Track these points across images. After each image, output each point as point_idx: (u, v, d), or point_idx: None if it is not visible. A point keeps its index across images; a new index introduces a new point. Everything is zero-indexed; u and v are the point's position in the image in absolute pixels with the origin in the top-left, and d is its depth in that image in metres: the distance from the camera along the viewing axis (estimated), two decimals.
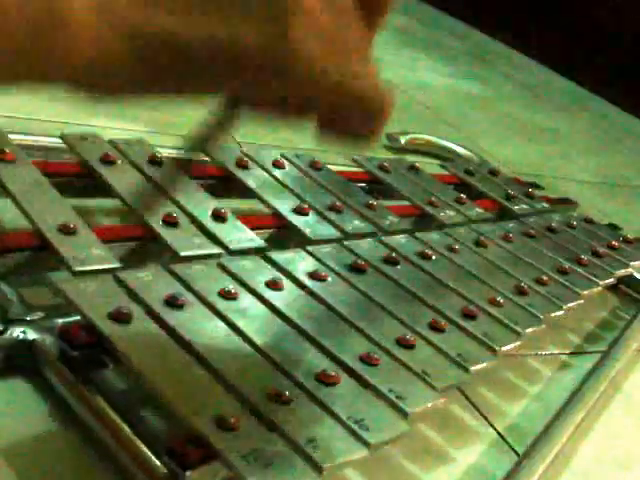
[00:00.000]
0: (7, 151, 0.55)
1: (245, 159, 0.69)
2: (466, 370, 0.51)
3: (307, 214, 0.64)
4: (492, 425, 0.56)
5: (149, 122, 0.83)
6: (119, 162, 0.61)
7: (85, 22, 0.28)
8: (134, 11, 0.30)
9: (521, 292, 0.64)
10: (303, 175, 0.72)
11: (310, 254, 0.58)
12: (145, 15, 0.30)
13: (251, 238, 0.57)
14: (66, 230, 0.49)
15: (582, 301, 0.68)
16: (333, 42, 0.34)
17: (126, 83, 0.31)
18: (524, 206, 0.86)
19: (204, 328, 0.45)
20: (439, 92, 1.50)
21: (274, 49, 0.32)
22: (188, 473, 0.37)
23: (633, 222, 1.09)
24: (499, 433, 0.56)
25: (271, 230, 0.62)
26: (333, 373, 0.44)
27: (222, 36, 0.31)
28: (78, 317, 0.43)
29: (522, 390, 0.62)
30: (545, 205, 0.90)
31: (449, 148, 1.09)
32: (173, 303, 0.45)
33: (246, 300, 0.49)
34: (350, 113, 0.36)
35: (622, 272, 0.79)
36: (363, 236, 0.65)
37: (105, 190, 0.58)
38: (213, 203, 0.59)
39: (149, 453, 0.38)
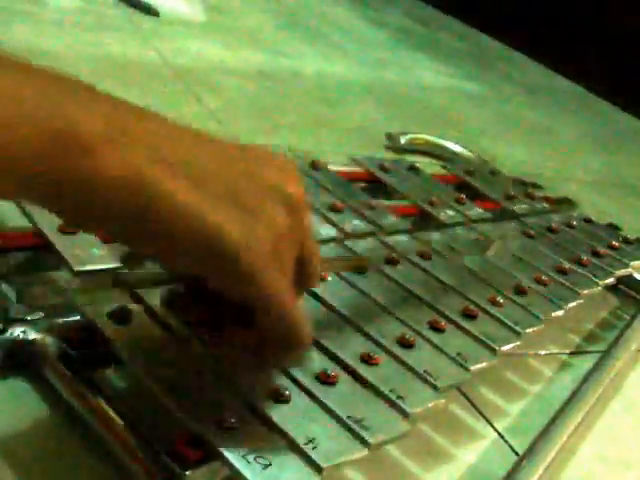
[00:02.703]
0: None
1: None
2: (466, 370, 0.51)
3: None
4: (492, 425, 0.56)
5: None
6: None
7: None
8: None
9: (521, 292, 0.64)
10: (303, 175, 0.72)
11: None
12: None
13: None
14: (66, 230, 0.49)
15: (582, 301, 0.68)
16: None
17: None
18: (524, 206, 0.86)
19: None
20: (439, 92, 1.50)
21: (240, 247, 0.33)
22: (188, 473, 0.37)
23: (633, 222, 1.09)
24: (499, 433, 0.56)
25: None
26: (333, 373, 0.44)
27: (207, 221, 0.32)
28: (78, 317, 0.43)
29: (522, 390, 0.62)
30: (545, 205, 0.90)
31: (449, 148, 1.09)
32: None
33: None
34: (270, 328, 0.38)
35: (622, 272, 0.78)
36: (363, 236, 0.65)
37: None
38: None
39: (149, 453, 0.38)
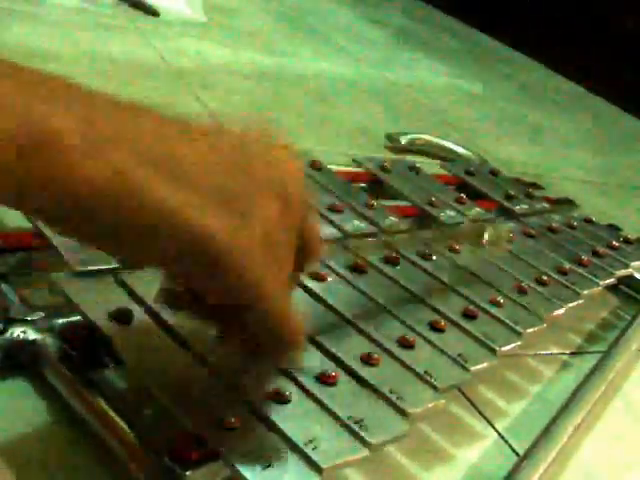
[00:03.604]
0: None
1: None
2: (466, 370, 0.51)
3: None
4: (492, 425, 0.56)
5: None
6: None
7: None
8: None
9: (521, 292, 0.64)
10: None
11: None
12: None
13: None
14: None
15: (582, 301, 0.68)
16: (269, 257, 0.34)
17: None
18: (524, 206, 0.86)
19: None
20: (439, 92, 1.50)
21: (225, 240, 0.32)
22: (188, 473, 0.37)
23: (633, 222, 1.09)
24: (499, 433, 0.56)
25: None
26: (333, 373, 0.44)
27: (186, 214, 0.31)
28: (78, 317, 0.43)
29: (522, 390, 0.62)
30: (545, 205, 0.90)
31: (449, 148, 1.09)
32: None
33: None
34: (259, 328, 0.37)
35: (622, 272, 0.78)
36: (363, 236, 0.65)
37: None
38: None
39: (149, 453, 0.38)
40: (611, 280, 0.75)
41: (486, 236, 0.69)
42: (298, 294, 0.52)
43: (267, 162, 0.36)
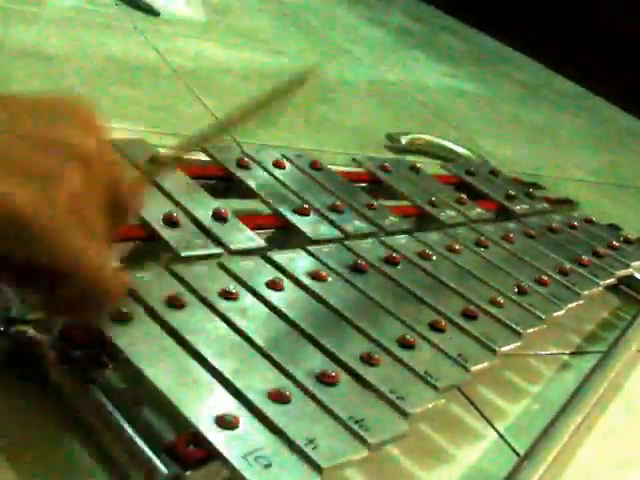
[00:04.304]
0: None
1: (246, 159, 0.69)
2: (466, 370, 0.51)
3: (308, 214, 0.64)
4: (492, 425, 0.56)
5: (149, 122, 0.83)
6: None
7: None
8: None
9: (521, 292, 0.64)
10: (304, 175, 0.72)
11: (310, 254, 0.58)
12: None
13: (251, 238, 0.57)
14: None
15: (582, 301, 0.68)
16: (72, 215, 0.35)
17: None
18: (524, 206, 0.86)
19: (204, 328, 0.45)
20: (439, 92, 1.50)
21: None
22: (188, 473, 0.37)
23: (633, 222, 1.09)
24: (499, 433, 0.56)
25: (271, 230, 0.62)
26: (333, 373, 0.44)
27: None
28: None
29: (522, 390, 0.62)
30: (545, 205, 0.90)
31: (449, 148, 1.09)
32: (173, 303, 0.45)
33: (246, 300, 0.49)
34: (71, 287, 0.37)
35: (623, 272, 0.78)
36: (364, 236, 0.65)
37: None
38: (214, 203, 0.59)
39: (149, 453, 0.38)
40: (611, 280, 0.75)
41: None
42: (299, 294, 0.52)
43: (65, 124, 0.36)
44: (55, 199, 0.33)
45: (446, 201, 0.78)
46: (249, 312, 0.48)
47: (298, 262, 0.56)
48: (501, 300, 0.60)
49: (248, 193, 0.66)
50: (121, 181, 0.39)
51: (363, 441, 0.41)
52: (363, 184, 0.78)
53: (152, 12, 1.25)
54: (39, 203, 0.33)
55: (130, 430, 0.39)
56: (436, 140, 1.09)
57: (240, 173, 0.67)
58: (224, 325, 0.46)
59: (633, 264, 0.81)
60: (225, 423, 0.38)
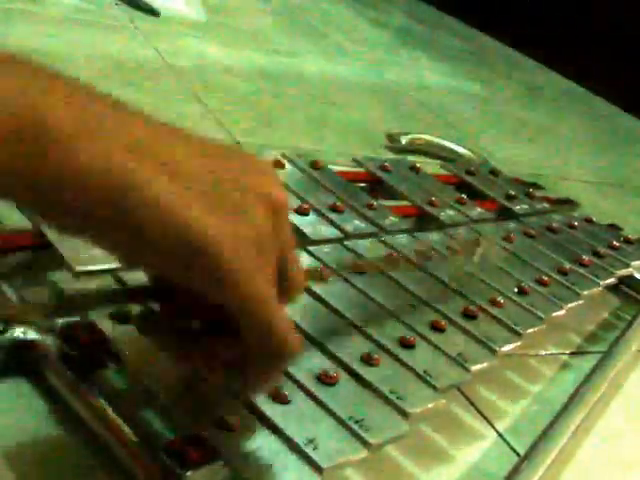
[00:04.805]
0: None
1: None
2: (466, 370, 0.51)
3: (307, 214, 0.64)
4: (492, 425, 0.56)
5: None
6: None
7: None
8: None
9: (522, 292, 0.63)
10: (304, 175, 0.72)
11: (310, 254, 0.58)
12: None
13: None
14: None
15: (583, 301, 0.68)
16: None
17: None
18: (525, 206, 0.86)
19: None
20: (439, 92, 1.50)
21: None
22: (188, 473, 0.37)
23: (633, 222, 1.09)
24: (499, 433, 0.56)
25: None
26: (333, 373, 0.44)
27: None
28: (78, 317, 0.43)
29: (522, 390, 0.62)
30: (546, 205, 0.90)
31: (449, 148, 1.09)
32: None
33: None
34: (254, 338, 0.35)
35: (623, 272, 0.78)
36: (364, 236, 0.65)
37: None
38: None
39: (149, 453, 0.38)
40: (611, 280, 0.75)
41: (477, 257, 0.69)
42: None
43: (253, 172, 0.35)
44: (246, 237, 0.33)
45: (446, 201, 0.78)
46: None
47: None
48: (501, 300, 0.60)
49: None
50: (293, 246, 0.37)
51: (363, 441, 0.41)
52: (363, 184, 0.78)
53: (152, 12, 1.25)
54: (228, 235, 0.32)
55: (130, 430, 0.39)
56: (436, 140, 1.09)
57: None
58: None
59: (633, 264, 0.81)
60: (225, 423, 0.38)
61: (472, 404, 0.58)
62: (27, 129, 0.28)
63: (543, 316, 0.61)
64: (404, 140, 1.05)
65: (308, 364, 0.45)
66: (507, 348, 0.55)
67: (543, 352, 0.68)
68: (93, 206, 0.30)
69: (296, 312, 0.49)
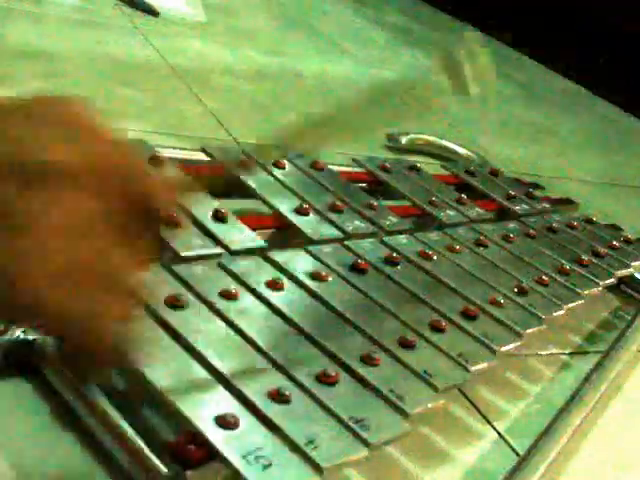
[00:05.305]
0: None
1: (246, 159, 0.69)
2: (466, 370, 0.51)
3: (308, 214, 0.64)
4: (492, 425, 0.56)
5: (149, 122, 0.83)
6: None
7: None
8: None
9: (522, 292, 0.63)
10: (304, 175, 0.72)
11: (311, 254, 0.58)
12: None
13: (252, 238, 0.57)
14: None
15: (583, 301, 0.68)
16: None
17: None
18: (525, 206, 0.86)
19: (204, 328, 0.45)
20: (439, 92, 1.50)
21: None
22: (188, 473, 0.37)
23: (634, 222, 1.08)
24: (499, 433, 0.56)
25: (271, 230, 0.62)
26: (333, 373, 0.44)
27: None
28: None
29: (522, 390, 0.62)
30: (546, 205, 0.90)
31: (450, 148, 1.09)
32: (173, 303, 0.45)
33: (246, 300, 0.49)
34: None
35: (623, 272, 0.78)
36: (364, 236, 0.65)
37: None
38: (214, 203, 0.59)
39: (149, 453, 0.38)
40: (611, 280, 0.75)
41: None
42: (299, 294, 0.52)
43: (54, 132, 0.32)
44: (43, 255, 0.29)
45: (446, 201, 0.78)
46: (249, 312, 0.48)
47: (298, 262, 0.56)
48: (501, 300, 0.60)
49: (248, 193, 0.66)
50: (141, 182, 0.34)
51: (363, 441, 0.41)
52: (363, 184, 0.78)
53: (152, 12, 1.25)
54: (19, 264, 0.29)
55: (130, 430, 0.39)
56: (436, 140, 1.09)
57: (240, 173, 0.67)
58: (224, 325, 0.46)
59: (633, 264, 0.81)
60: (225, 423, 0.38)
61: (472, 404, 0.58)
62: None
63: (543, 316, 0.61)
64: (404, 140, 1.05)
65: (308, 364, 0.45)
66: (507, 348, 0.55)
67: (543, 352, 0.68)
68: None
69: (296, 312, 0.50)
